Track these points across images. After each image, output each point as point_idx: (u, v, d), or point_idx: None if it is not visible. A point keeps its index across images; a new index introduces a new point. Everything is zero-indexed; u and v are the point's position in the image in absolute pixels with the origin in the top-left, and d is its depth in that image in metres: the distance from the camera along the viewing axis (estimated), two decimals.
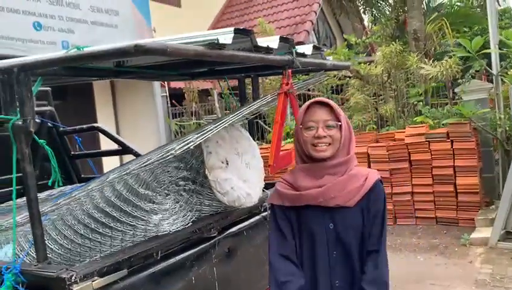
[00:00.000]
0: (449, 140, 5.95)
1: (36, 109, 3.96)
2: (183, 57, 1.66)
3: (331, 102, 1.78)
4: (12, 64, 1.74)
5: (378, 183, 1.80)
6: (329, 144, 1.73)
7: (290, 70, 2.11)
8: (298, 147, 1.82)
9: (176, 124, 9.35)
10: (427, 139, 6.07)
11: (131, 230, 2.06)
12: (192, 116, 9.30)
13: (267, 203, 1.91)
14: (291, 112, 5.61)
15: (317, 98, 1.82)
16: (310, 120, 1.76)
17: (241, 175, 2.41)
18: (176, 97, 9.67)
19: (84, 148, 4.17)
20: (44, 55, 1.77)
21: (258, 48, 1.92)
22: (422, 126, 6.29)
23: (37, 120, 3.74)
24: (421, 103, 6.98)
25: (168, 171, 2.22)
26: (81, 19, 7.53)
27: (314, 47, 2.41)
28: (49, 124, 3.87)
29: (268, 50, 1.98)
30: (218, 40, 1.62)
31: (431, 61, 7.04)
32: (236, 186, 2.32)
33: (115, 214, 2.06)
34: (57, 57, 1.72)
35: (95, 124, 3.97)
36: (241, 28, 1.75)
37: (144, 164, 1.81)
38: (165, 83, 8.95)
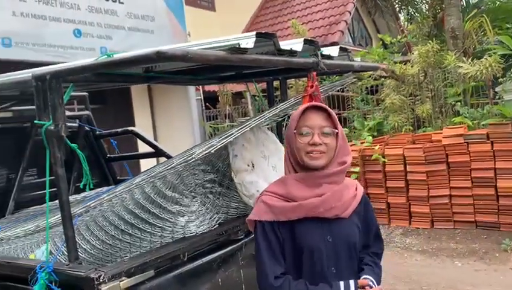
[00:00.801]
0: (489, 141, 5.73)
1: (74, 113, 4.14)
2: (204, 62, 1.69)
3: (328, 108, 1.69)
4: (45, 72, 1.82)
5: (365, 195, 1.78)
6: (324, 152, 1.63)
7: (314, 73, 2.10)
8: (290, 155, 1.70)
9: (210, 126, 9.48)
10: (466, 141, 5.87)
11: (159, 231, 2.11)
12: (226, 118, 9.40)
13: (248, 221, 1.73)
14: None
15: (313, 103, 1.69)
16: (305, 125, 1.64)
17: (268, 178, 2.41)
18: (210, 100, 9.80)
19: (121, 151, 4.30)
20: (74, 63, 1.84)
21: (281, 51, 1.92)
22: (460, 127, 6.09)
23: (75, 124, 3.93)
24: (459, 103, 6.76)
25: (195, 174, 2.26)
26: (119, 25, 7.76)
27: (341, 48, 2.39)
28: (86, 127, 4.02)
29: (292, 53, 1.98)
30: (239, 44, 1.64)
31: (470, 59, 6.80)
32: (262, 189, 2.31)
33: (143, 216, 2.11)
34: (86, 64, 1.78)
35: (130, 128, 4.09)
36: (264, 31, 1.76)
37: (168, 168, 1.84)
38: (200, 86, 9.08)
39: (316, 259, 1.63)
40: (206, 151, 1.72)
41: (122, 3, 7.88)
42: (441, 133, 6.24)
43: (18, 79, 1.99)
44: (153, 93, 9.45)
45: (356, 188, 1.73)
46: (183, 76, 2.63)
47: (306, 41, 2.04)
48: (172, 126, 9.23)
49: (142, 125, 8.93)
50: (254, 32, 1.72)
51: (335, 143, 1.65)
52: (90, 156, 4.10)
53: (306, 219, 1.63)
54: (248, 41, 1.70)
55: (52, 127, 1.84)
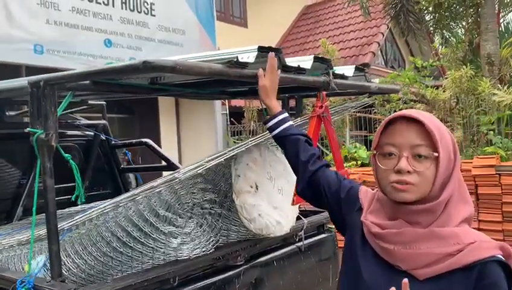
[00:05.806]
0: None
1: (90, 122, 4.12)
2: (197, 75, 1.58)
3: (427, 117, 1.16)
4: (40, 78, 1.75)
5: (492, 267, 1.10)
6: (412, 184, 1.13)
7: (324, 93, 1.96)
8: (375, 178, 1.25)
9: (234, 141, 9.40)
10: (498, 172, 5.55)
11: (150, 252, 2.00)
12: (249, 134, 9.31)
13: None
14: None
15: (404, 111, 1.19)
16: (389, 143, 1.16)
17: (272, 201, 2.27)
18: (236, 115, 9.75)
19: (139, 162, 4.26)
20: (70, 71, 1.77)
21: (287, 68, 1.79)
22: (492, 157, 5.77)
23: (90, 132, 3.91)
24: (492, 132, 6.43)
25: (194, 193, 2.14)
26: (149, 37, 7.84)
27: (357, 68, 2.24)
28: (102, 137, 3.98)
29: (299, 70, 1.85)
30: (237, 58, 1.52)
31: (506, 87, 6.49)
32: (265, 213, 2.18)
33: (135, 234, 2.00)
34: (79, 71, 1.71)
35: (144, 140, 4.03)
36: (267, 46, 1.64)
37: (151, 188, 1.73)
38: (226, 101, 9.05)
39: None
40: (191, 173, 1.60)
41: (154, 15, 7.97)
42: (471, 162, 5.92)
43: (14, 85, 1.93)
44: (180, 106, 9.49)
45: (462, 249, 1.11)
46: (191, 89, 2.53)
47: (316, 59, 1.91)
48: (196, 139, 9.23)
49: (167, 137, 8.97)
50: (256, 46, 1.60)
51: (434, 171, 1.14)
52: (104, 166, 4.07)
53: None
54: (249, 55, 1.59)
55: (43, 136, 1.76)
